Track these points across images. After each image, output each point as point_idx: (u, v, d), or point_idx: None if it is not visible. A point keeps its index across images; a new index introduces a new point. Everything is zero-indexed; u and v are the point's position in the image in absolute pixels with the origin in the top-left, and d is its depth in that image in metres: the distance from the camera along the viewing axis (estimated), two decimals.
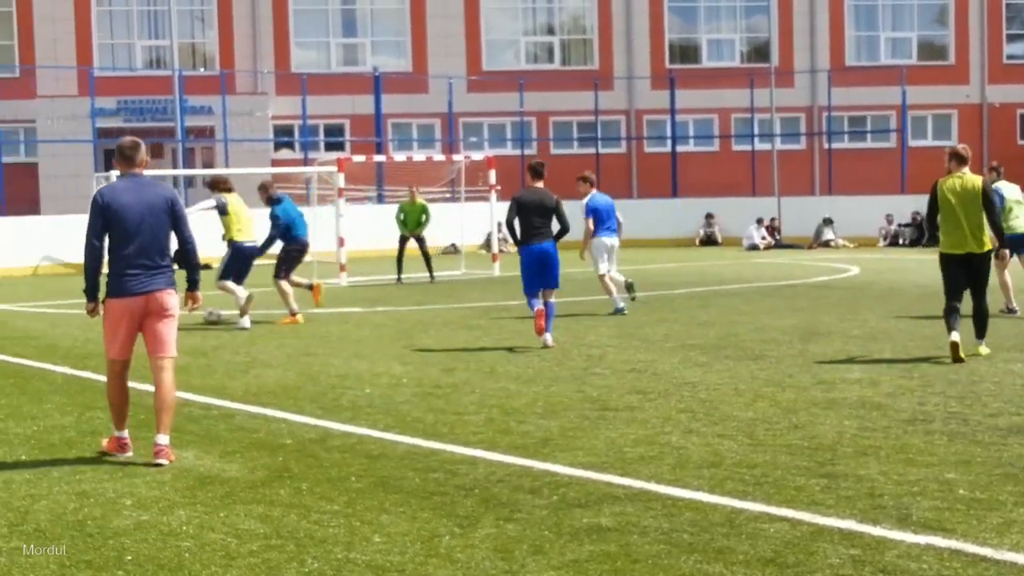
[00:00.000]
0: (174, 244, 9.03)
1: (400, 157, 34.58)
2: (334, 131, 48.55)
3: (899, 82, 45.18)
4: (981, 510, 6.91)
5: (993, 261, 13.77)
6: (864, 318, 17.18)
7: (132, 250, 8.84)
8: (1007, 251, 14.57)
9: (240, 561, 6.29)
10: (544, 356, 13.80)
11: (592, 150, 47.69)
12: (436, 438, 9.27)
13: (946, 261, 13.21)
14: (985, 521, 6.69)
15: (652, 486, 7.64)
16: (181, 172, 40.75)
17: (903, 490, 7.39)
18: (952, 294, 13.08)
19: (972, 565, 5.98)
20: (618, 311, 18.38)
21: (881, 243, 39.63)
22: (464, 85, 48.12)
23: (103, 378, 12.40)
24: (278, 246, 19.04)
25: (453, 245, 37.15)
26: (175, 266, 9.15)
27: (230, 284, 18.41)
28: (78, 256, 9.27)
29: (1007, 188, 18.88)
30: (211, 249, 19.12)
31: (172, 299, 9.02)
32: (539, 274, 15.09)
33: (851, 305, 19.26)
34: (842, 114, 49.73)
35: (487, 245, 34.38)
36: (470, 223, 32.94)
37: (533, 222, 15.02)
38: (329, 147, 47.66)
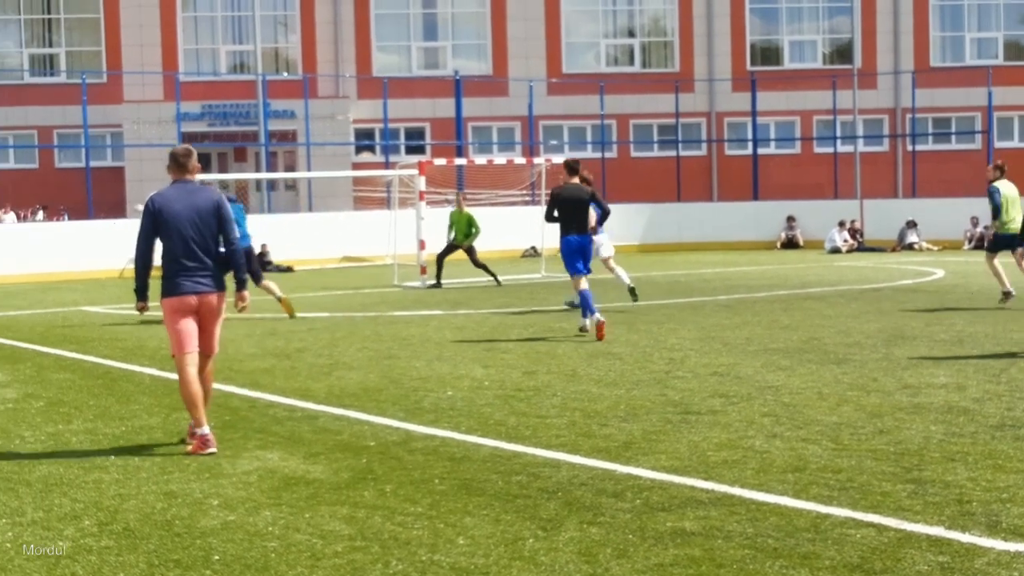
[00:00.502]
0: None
1: (481, 160, 34.66)
2: (415, 134, 48.80)
3: (985, 83, 44.53)
4: None
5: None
6: (950, 322, 16.97)
7: (182, 252, 9.31)
8: None
9: (325, 562, 6.33)
10: (626, 359, 13.76)
11: (672, 153, 47.55)
12: (519, 441, 9.28)
13: None
14: None
15: (736, 490, 7.59)
16: (264, 176, 41.17)
17: (992, 496, 7.29)
18: None
19: None
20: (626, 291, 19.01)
21: (966, 246, 39.08)
22: (544, 88, 48.16)
23: None
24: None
25: (533, 248, 37.17)
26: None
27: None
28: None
29: (1005, 186, 19.39)
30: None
31: (222, 301, 9.52)
32: (581, 257, 16.42)
33: (936, 309, 19.03)
34: (926, 115, 49.17)
35: None
36: (550, 226, 32.88)
37: (571, 215, 16.30)
38: (410, 150, 47.93)
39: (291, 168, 47.44)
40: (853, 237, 39.55)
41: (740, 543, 6.46)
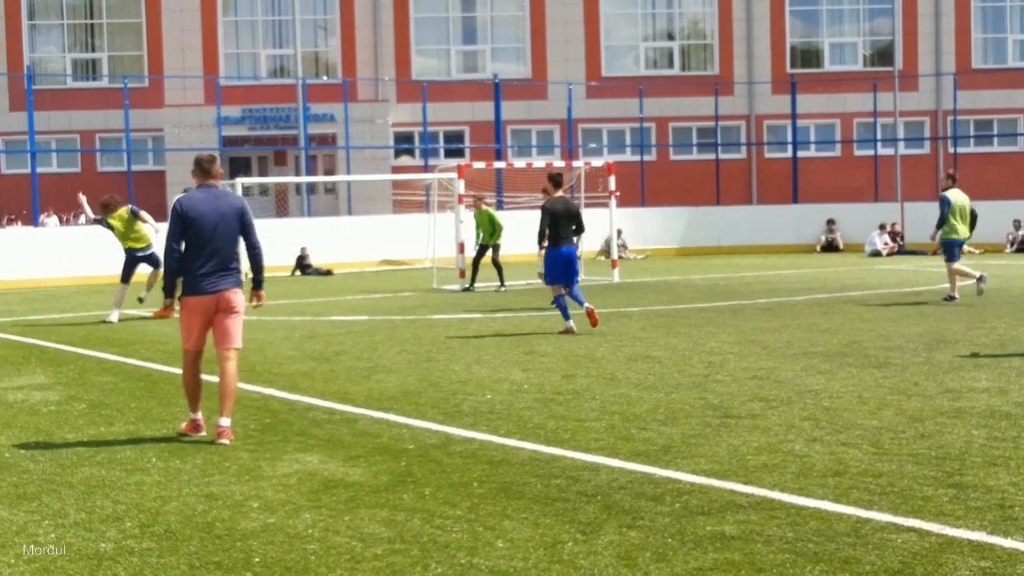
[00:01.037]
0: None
1: (520, 163, 34.65)
2: (454, 138, 48.87)
3: None
4: None
5: None
6: (992, 325, 16.86)
7: (206, 254, 9.87)
8: None
9: (365, 565, 6.35)
10: (665, 363, 13.74)
11: (712, 156, 47.45)
12: (557, 444, 9.28)
13: None
14: None
15: (776, 494, 7.57)
16: (304, 179, 41.32)
17: None
18: None
19: None
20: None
21: (1008, 249, 38.80)
22: (583, 91, 48.14)
23: None
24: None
25: None
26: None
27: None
28: None
29: (956, 195, 20.20)
30: None
31: (239, 297, 10.06)
32: (564, 272, 17.08)
33: (978, 312, 18.90)
34: (968, 118, 48.85)
35: (606, 251, 34.35)
36: (589, 229, 32.86)
37: (562, 228, 17.07)
38: (449, 154, 48.00)
39: (330, 172, 47.60)
40: (894, 240, 39.33)
41: (780, 547, 6.45)
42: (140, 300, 21.29)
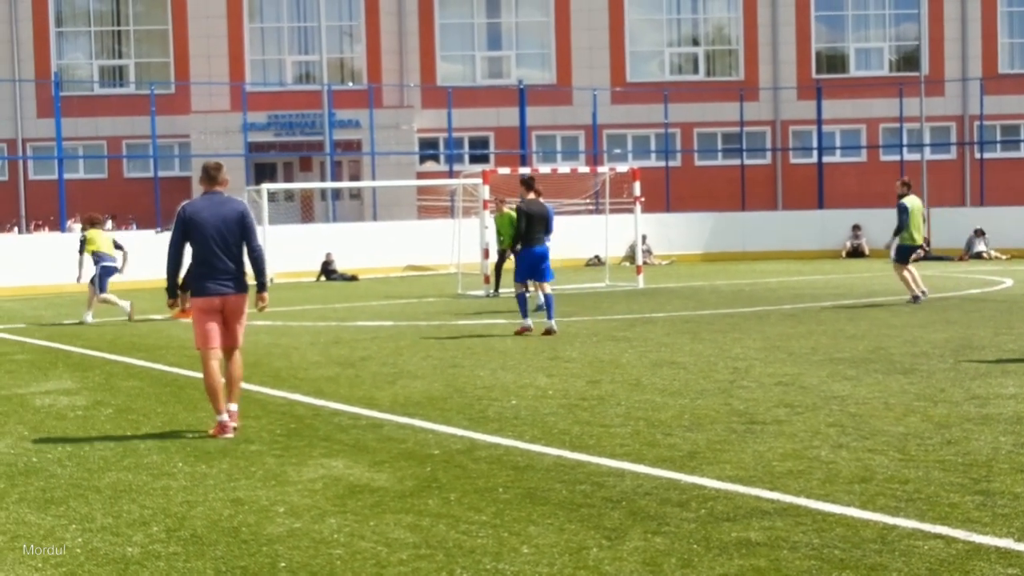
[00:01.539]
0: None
1: (545, 169, 34.67)
2: (479, 143, 48.93)
3: None
4: None
5: None
6: (1019, 331, 16.77)
7: (209, 257, 10.35)
8: None
9: (391, 570, 6.36)
10: (690, 369, 13.71)
11: (737, 161, 47.38)
12: (582, 450, 9.27)
13: None
14: None
15: (802, 501, 7.55)
16: (329, 185, 41.43)
17: None
18: None
19: None
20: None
21: None
22: (608, 97, 48.15)
23: (255, 387, 12.81)
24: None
25: (597, 257, 37.16)
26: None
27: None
28: None
29: (912, 202, 20.73)
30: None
31: (244, 302, 10.53)
32: (534, 270, 18.31)
33: (1005, 318, 18.82)
34: (994, 123, 48.67)
35: (631, 257, 34.32)
36: (614, 235, 32.91)
37: (535, 229, 18.11)
38: (474, 159, 48.07)
39: (356, 177, 47.71)
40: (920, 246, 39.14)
41: (806, 554, 6.43)
42: (81, 323, 21.91)
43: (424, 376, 13.69)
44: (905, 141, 47.14)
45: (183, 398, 12.51)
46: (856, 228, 41.69)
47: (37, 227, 43.71)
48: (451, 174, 41.36)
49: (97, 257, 22.08)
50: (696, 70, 50.48)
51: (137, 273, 31.62)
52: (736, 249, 41.49)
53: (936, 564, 6.19)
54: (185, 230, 10.40)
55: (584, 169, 34.41)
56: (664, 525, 7.06)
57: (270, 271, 32.16)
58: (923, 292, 21.58)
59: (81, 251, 22.31)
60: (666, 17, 50.36)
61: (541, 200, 18.56)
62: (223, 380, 10.40)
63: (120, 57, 49.06)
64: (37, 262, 31.94)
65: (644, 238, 34.77)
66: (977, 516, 7.07)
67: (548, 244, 18.69)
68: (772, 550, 6.51)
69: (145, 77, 47.72)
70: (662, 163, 46.03)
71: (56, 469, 9.08)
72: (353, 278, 34.08)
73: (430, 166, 48.14)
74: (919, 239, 22.18)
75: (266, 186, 34.82)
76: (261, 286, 10.72)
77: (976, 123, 47.78)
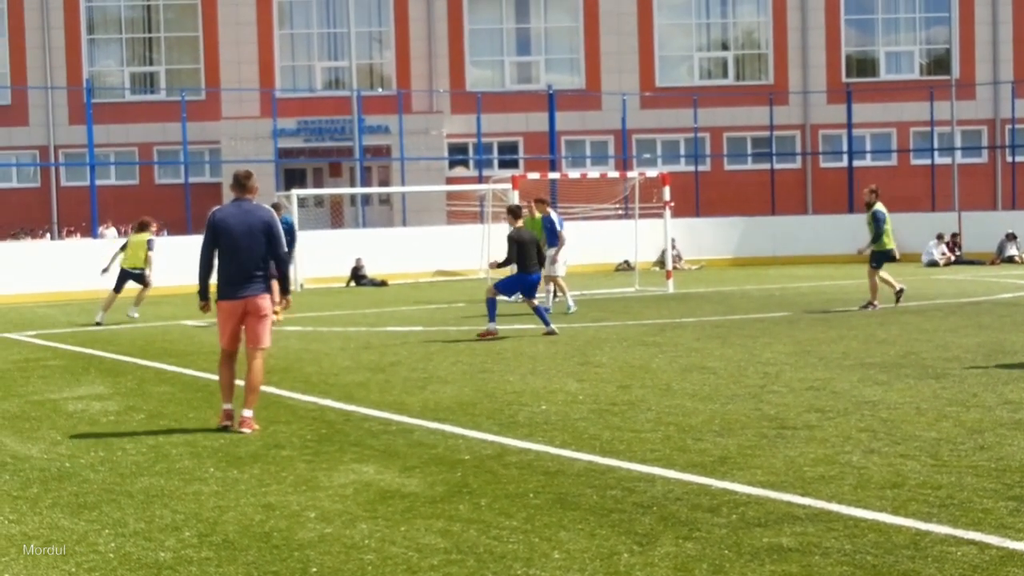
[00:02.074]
0: None
1: (574, 174, 34.65)
2: (508, 148, 48.97)
3: None
4: None
5: None
6: None
7: (235, 262, 10.80)
8: None
9: (421, 575, 6.37)
10: (720, 374, 13.68)
11: (766, 166, 47.23)
12: (613, 455, 9.27)
13: None
14: None
15: (833, 506, 7.53)
16: (359, 190, 41.52)
17: None
18: None
19: None
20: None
21: None
22: (637, 101, 48.11)
23: (286, 393, 12.87)
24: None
25: (626, 262, 37.11)
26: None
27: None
28: None
29: (883, 208, 20.95)
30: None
31: (265, 302, 10.94)
32: (523, 290, 19.11)
33: None
34: None
35: (661, 262, 34.27)
36: (644, 240, 32.86)
37: (529, 256, 18.83)
38: (503, 164, 48.09)
39: (385, 183, 47.81)
40: (951, 250, 39.00)
41: (838, 560, 6.41)
42: (129, 316, 23.30)
43: (454, 381, 13.70)
44: (936, 145, 46.91)
45: (214, 403, 12.53)
46: None
47: (69, 233, 43.94)
48: (480, 179, 41.40)
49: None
50: (725, 74, 50.41)
51: (166, 279, 31.80)
52: (766, 254, 41.35)
53: (969, 570, 6.16)
54: (215, 235, 10.84)
55: (613, 174, 34.34)
56: (695, 531, 7.05)
57: (300, 277, 32.28)
58: (875, 304, 21.58)
59: (122, 249, 23.94)
60: (695, 21, 50.30)
61: (550, 212, 19.39)
62: (235, 379, 11.02)
63: (151, 64, 49.33)
64: (69, 268, 32.07)
65: (674, 243, 34.69)
66: (1011, 522, 7.03)
67: (553, 253, 20.45)
68: (804, 556, 6.50)
69: (176, 84, 47.94)
70: (691, 168, 45.93)
71: (89, 474, 9.13)
72: (383, 283, 34.12)
73: (459, 171, 48.20)
74: (893, 244, 22.38)
75: (296, 192, 34.90)
76: (284, 291, 11.20)
77: (1008, 127, 47.50)
